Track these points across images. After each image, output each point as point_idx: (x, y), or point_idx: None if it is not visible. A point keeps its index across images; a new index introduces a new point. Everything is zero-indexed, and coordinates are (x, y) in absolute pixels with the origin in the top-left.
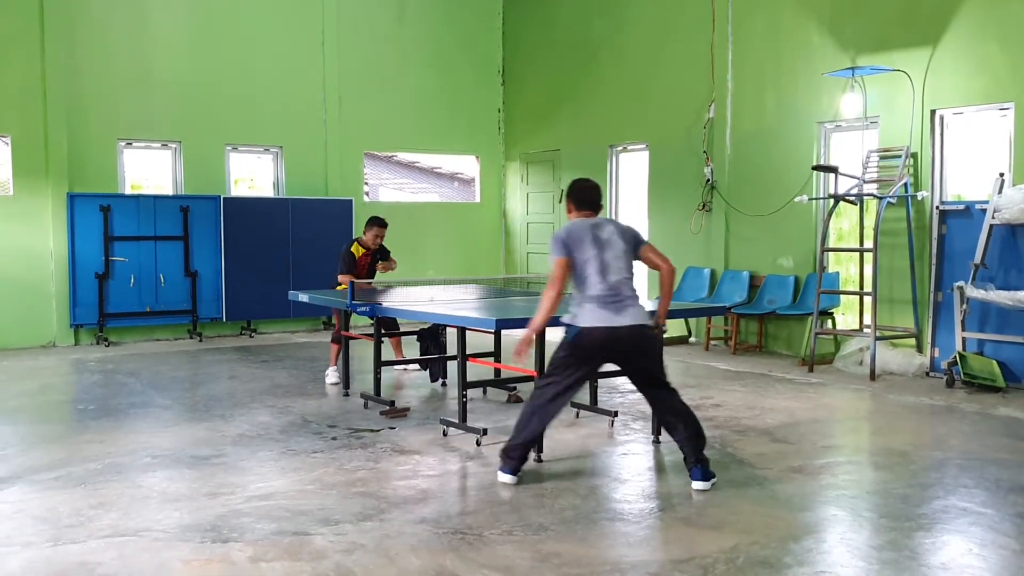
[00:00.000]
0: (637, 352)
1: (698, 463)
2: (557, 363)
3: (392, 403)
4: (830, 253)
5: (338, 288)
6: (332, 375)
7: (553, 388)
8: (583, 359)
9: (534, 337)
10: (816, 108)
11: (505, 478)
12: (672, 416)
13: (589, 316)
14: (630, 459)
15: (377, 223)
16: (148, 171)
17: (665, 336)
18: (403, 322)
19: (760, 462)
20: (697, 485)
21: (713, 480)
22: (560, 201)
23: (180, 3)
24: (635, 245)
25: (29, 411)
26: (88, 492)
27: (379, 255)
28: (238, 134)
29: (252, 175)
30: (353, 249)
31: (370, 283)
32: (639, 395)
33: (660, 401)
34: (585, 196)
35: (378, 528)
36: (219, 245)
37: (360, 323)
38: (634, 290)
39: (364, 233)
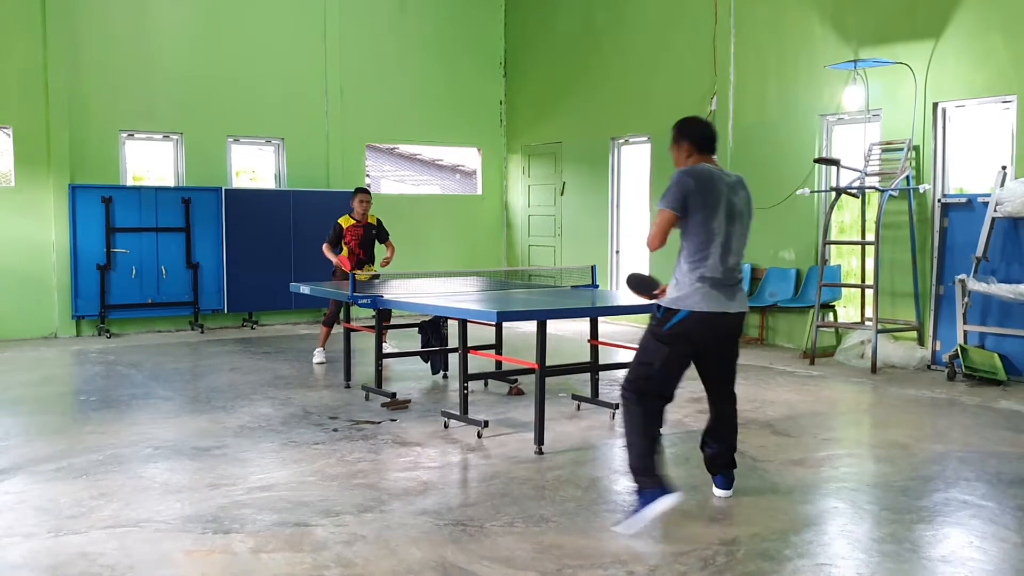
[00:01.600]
0: (734, 342)
1: (727, 471)
2: (652, 352)
3: (393, 395)
4: (832, 246)
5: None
6: (319, 355)
7: (647, 384)
8: (685, 347)
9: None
10: (818, 101)
11: (657, 507)
12: (727, 419)
13: (701, 298)
14: None
15: (360, 190)
16: (150, 162)
17: None
18: (405, 314)
19: (761, 454)
20: (721, 493)
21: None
22: (562, 193)
23: None
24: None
25: (31, 402)
26: (89, 483)
27: (377, 233)
28: (240, 126)
29: (254, 167)
30: (340, 220)
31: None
32: None
33: (723, 402)
34: (708, 135)
35: (379, 519)
36: (220, 237)
37: (362, 315)
38: (741, 270)
39: (351, 204)
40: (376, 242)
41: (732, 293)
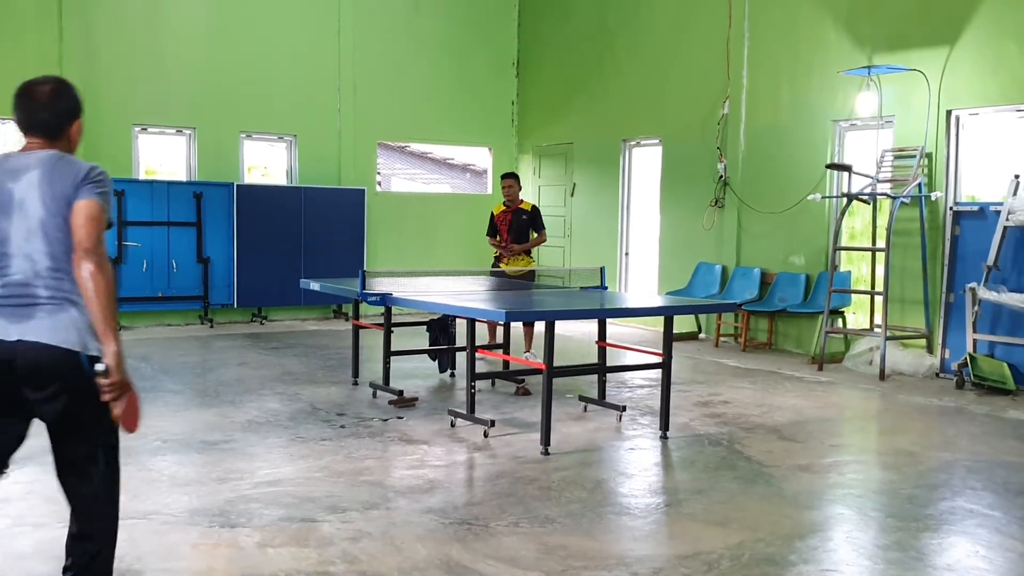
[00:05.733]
0: (42, 393)
1: None
2: None
3: (401, 393)
4: (842, 252)
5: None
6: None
7: None
8: None
9: None
10: (831, 106)
11: None
12: (73, 545)
13: None
14: (637, 454)
15: (504, 176)
16: (162, 157)
17: (675, 332)
18: (413, 312)
19: (767, 459)
20: None
21: None
22: (572, 194)
23: None
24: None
25: None
26: None
27: (532, 222)
28: (252, 122)
29: (266, 163)
30: (493, 209)
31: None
32: (648, 390)
33: (74, 513)
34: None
35: (385, 517)
36: (232, 232)
37: (370, 311)
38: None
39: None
40: (531, 230)
41: (16, 315)
